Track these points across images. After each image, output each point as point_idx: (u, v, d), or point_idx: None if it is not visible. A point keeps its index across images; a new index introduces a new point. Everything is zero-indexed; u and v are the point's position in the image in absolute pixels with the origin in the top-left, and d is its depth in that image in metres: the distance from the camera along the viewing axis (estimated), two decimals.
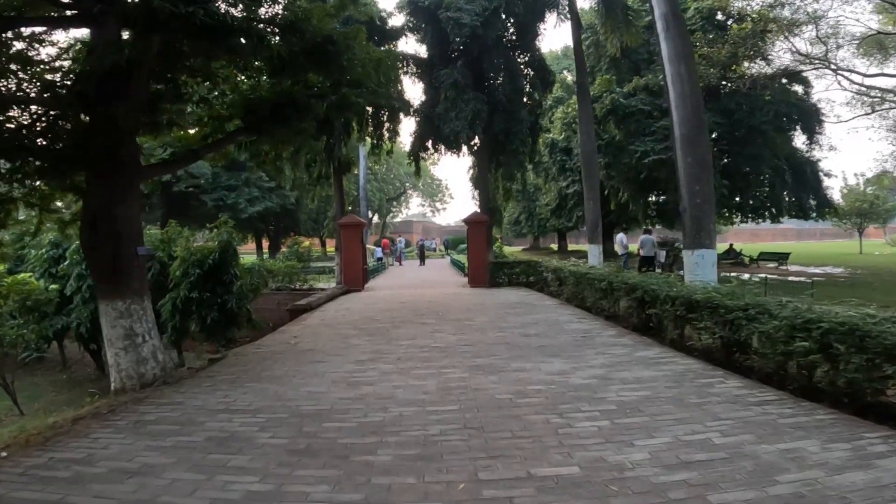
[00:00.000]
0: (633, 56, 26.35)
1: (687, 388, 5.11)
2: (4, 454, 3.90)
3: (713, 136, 21.91)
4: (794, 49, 21.99)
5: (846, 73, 23.27)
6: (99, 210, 6.63)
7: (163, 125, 7.63)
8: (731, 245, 27.40)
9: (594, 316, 10.14)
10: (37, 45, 6.44)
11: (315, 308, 11.93)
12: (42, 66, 6.64)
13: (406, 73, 19.65)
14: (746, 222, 29.49)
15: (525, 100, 18.79)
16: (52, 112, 6.76)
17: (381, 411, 4.63)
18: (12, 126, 6.53)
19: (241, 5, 6.44)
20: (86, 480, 3.35)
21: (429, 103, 18.61)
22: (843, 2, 26.13)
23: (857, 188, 39.80)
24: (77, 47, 7.18)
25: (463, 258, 29.41)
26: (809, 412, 4.33)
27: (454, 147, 18.68)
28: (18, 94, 6.41)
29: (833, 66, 23.37)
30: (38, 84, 6.53)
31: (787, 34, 22.70)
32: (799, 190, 24.61)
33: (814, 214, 26.14)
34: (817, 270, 23.05)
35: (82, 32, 7.78)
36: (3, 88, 6.23)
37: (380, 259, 31.39)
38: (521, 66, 19.00)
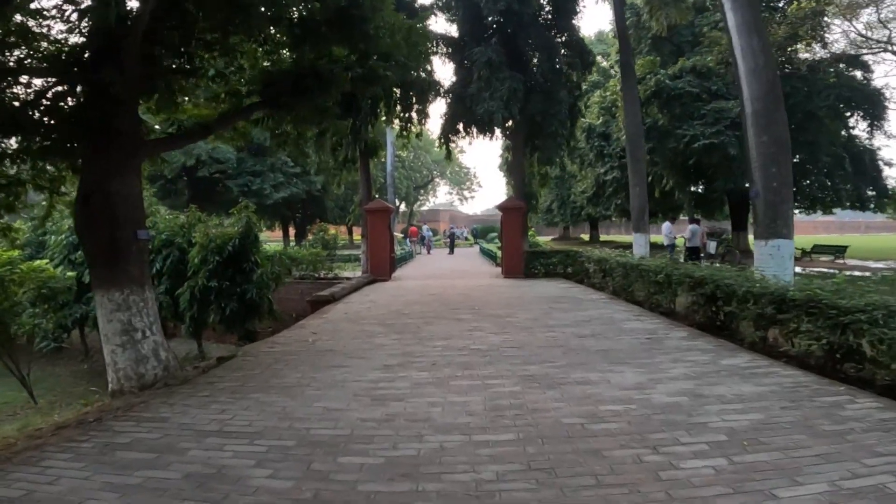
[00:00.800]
0: (675, 38, 24.69)
1: (810, 410, 3.96)
2: None
3: None
4: (856, 31, 20.18)
5: None
6: (93, 186, 5.85)
7: (163, 91, 6.74)
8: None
9: (650, 313, 8.95)
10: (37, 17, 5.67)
11: (338, 299, 11.01)
12: (42, 36, 5.88)
13: (436, 53, 18.51)
14: (800, 212, 27.65)
15: (563, 80, 17.41)
16: (51, 84, 6.04)
17: (414, 440, 3.60)
18: (16, 103, 5.81)
19: None
20: None
21: (460, 83, 17.45)
22: None
23: None
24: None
25: (492, 247, 28.30)
26: None
27: (487, 130, 17.52)
28: (19, 67, 5.70)
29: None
30: (40, 55, 5.81)
31: (847, 16, 20.86)
32: (857, 179, 22.71)
33: (872, 205, 24.21)
34: (881, 265, 21.12)
35: None
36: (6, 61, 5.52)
37: (420, 245, 30.64)
38: (559, 46, 17.62)
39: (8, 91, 5.83)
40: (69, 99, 6.19)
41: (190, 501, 2.77)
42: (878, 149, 23.63)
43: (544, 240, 37.52)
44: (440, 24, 41.97)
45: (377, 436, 3.70)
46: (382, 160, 28.41)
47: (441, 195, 74.06)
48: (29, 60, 5.82)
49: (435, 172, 64.47)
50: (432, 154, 59.24)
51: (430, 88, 17.56)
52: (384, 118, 18.97)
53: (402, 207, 58.44)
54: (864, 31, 21.43)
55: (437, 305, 10.02)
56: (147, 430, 3.94)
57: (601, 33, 40.82)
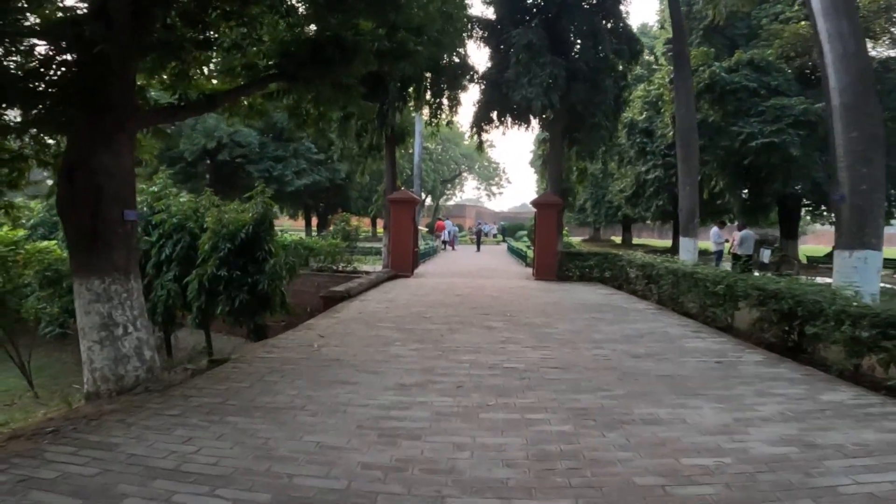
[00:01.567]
0: (729, 30, 22.98)
1: None
2: None
3: None
4: None
5: None
6: (77, 159, 5.09)
7: (161, 57, 5.92)
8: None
9: (709, 328, 7.78)
10: None
11: (354, 296, 10.07)
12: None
13: (471, 36, 17.42)
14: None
15: (608, 69, 16.09)
16: (49, 50, 5.31)
17: None
18: (18, 71, 5.15)
19: None
20: None
21: (496, 69, 16.33)
22: None
23: None
24: None
25: (522, 245, 27.09)
26: None
27: (523, 119, 16.39)
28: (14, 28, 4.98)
29: None
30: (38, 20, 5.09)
31: None
32: None
33: None
34: None
35: None
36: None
37: (445, 241, 29.96)
38: (605, 32, 16.29)
39: (8, 59, 5.15)
40: (63, 67, 5.47)
41: None
42: None
43: (575, 241, 36.07)
44: (476, 7, 40.78)
45: (382, 494, 2.71)
46: (410, 151, 27.49)
47: (468, 190, 72.96)
48: (29, 23, 5.12)
49: (463, 166, 63.32)
50: (461, 147, 58.19)
51: (463, 72, 16.51)
52: (413, 104, 18.01)
53: (429, 201, 57.55)
54: None
55: (464, 309, 8.98)
56: (84, 461, 3.02)
57: (644, 26, 38.88)
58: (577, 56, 15.71)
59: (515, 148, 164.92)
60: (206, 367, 5.95)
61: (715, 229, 16.52)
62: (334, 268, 15.67)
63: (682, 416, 3.94)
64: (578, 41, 15.97)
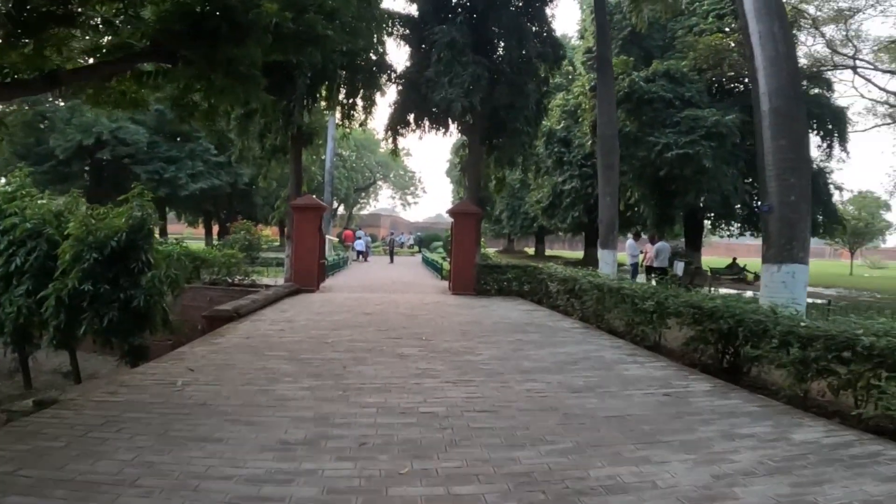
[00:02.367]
0: (645, 42, 23.61)
1: None
2: None
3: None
4: (824, 45, 19.95)
5: (870, 77, 21.40)
6: None
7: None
8: (734, 259, 24.88)
9: (641, 349, 7.18)
10: None
11: (244, 315, 8.49)
12: None
13: (391, 34, 16.38)
14: (741, 235, 27.27)
15: (532, 72, 15.66)
16: None
17: None
18: None
19: None
20: None
21: (416, 68, 15.39)
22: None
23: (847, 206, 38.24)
24: None
25: (437, 257, 26.15)
26: None
27: (442, 122, 15.55)
28: None
29: (858, 67, 21.43)
30: None
31: (814, 29, 20.73)
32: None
33: (821, 231, 23.79)
34: (828, 291, 20.74)
35: None
36: None
37: (360, 252, 28.67)
38: (530, 34, 15.88)
39: None
40: None
41: None
42: (831, 172, 23.09)
43: (491, 252, 35.80)
44: (398, 3, 39.73)
45: None
46: (322, 157, 25.75)
47: (383, 199, 71.49)
48: None
49: (378, 175, 61.81)
50: (377, 155, 56.72)
51: (380, 71, 15.40)
52: (325, 103, 16.61)
53: (341, 210, 55.45)
54: (823, 50, 21.34)
55: (373, 331, 7.74)
56: None
57: (565, 35, 39.87)
58: (500, 58, 15.19)
59: (432, 157, 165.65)
60: (31, 408, 4.40)
61: (630, 241, 16.45)
62: (229, 281, 13.85)
63: (650, 475, 3.07)
64: (503, 42, 15.46)
